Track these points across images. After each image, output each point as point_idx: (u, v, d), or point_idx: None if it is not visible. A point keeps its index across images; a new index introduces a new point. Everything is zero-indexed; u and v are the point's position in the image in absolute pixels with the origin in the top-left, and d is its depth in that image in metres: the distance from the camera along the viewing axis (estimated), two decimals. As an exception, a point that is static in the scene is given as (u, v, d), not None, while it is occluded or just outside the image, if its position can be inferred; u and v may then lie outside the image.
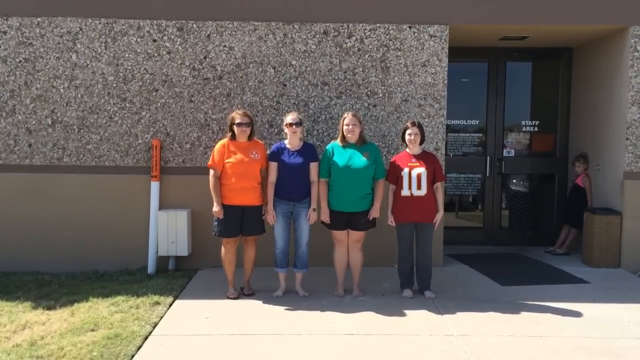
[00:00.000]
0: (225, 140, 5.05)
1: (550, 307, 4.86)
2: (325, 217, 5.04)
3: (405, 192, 5.02)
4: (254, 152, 5.00)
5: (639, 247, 6.18)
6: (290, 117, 5.03)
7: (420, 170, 5.00)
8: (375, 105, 6.11)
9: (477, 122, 7.37)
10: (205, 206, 5.38)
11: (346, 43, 6.06)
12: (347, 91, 6.09)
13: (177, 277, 5.69)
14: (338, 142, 5.08)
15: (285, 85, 6.07)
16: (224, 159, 4.96)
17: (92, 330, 4.27)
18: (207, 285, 5.44)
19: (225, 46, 6.02)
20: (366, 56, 6.07)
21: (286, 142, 5.08)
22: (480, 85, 7.33)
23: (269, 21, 6.00)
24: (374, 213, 5.04)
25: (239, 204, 4.96)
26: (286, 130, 5.04)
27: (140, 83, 6.02)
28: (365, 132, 5.66)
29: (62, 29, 5.96)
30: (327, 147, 5.13)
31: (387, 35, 6.05)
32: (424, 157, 5.10)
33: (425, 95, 6.11)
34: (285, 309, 4.80)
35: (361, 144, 5.04)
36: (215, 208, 4.94)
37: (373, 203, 5.04)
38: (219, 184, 4.98)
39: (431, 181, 5.06)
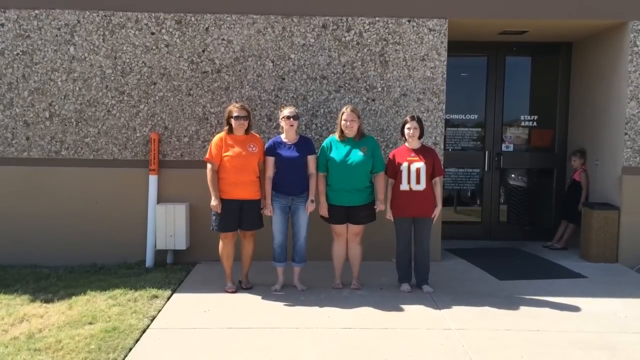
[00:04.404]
0: (222, 134, 5.03)
1: (547, 302, 4.88)
2: (324, 211, 5.04)
3: (404, 186, 5.01)
4: (252, 146, 4.98)
5: (636, 242, 6.19)
6: (287, 111, 5.00)
7: (419, 164, 4.99)
8: (374, 100, 6.10)
9: (476, 116, 7.36)
10: (204, 200, 5.37)
11: (345, 37, 6.03)
12: (346, 85, 6.07)
13: (175, 271, 5.69)
14: (336, 136, 5.06)
15: (284, 78, 6.05)
16: (221, 152, 4.94)
17: (90, 323, 4.27)
18: (205, 279, 5.44)
19: (223, 39, 6.00)
20: (365, 50, 6.05)
21: (282, 136, 5.07)
22: (479, 79, 7.31)
23: (268, 14, 5.98)
24: (381, 205, 5.05)
25: (237, 198, 4.94)
26: (283, 123, 5.01)
27: (139, 76, 6.00)
28: (364, 126, 5.65)
29: (59, 21, 5.93)
30: (325, 141, 5.12)
31: (386, 29, 6.03)
32: (423, 152, 5.09)
33: (424, 90, 6.09)
34: (283, 303, 4.80)
35: (359, 138, 5.03)
36: (213, 202, 4.93)
37: (377, 196, 5.05)
38: (217, 177, 4.97)
39: (430, 176, 5.05)
